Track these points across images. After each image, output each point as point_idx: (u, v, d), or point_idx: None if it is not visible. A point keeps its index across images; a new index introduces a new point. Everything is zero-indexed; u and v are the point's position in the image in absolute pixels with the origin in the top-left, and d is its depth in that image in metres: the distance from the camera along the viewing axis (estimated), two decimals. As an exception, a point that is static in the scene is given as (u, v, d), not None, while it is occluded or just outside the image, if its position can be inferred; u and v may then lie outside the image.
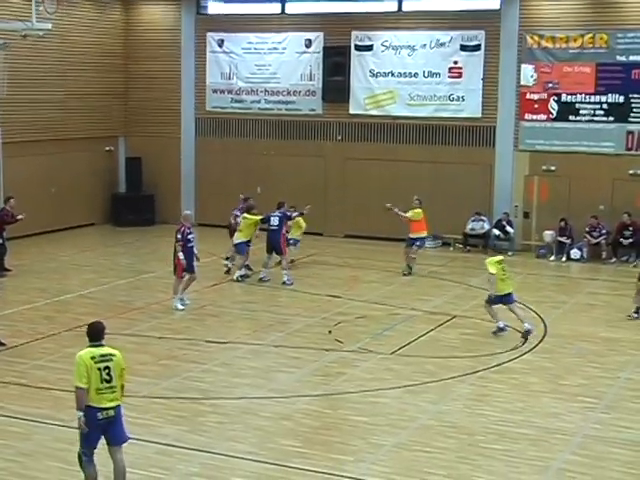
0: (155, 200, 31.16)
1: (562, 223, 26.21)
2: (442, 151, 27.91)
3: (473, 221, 27.37)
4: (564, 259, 26.09)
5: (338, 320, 19.02)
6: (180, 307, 19.74)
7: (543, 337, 18.01)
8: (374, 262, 25.03)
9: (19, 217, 22.22)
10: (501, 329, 18.01)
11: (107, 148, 31.30)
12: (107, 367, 10.34)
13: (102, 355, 10.38)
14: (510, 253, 26.65)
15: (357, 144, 28.90)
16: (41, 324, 18.26)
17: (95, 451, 10.60)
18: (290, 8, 29.86)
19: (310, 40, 29.21)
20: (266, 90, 29.94)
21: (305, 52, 29.32)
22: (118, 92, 31.36)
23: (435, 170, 27.91)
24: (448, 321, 19.18)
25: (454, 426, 13.20)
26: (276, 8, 29.97)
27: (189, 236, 19.90)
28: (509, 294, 18.11)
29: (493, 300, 18.07)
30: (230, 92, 30.44)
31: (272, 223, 22.42)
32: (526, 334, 17.78)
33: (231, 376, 15.52)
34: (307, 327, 18.61)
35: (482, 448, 12.38)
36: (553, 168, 26.85)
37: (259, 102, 30.10)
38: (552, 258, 26.22)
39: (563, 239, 26.22)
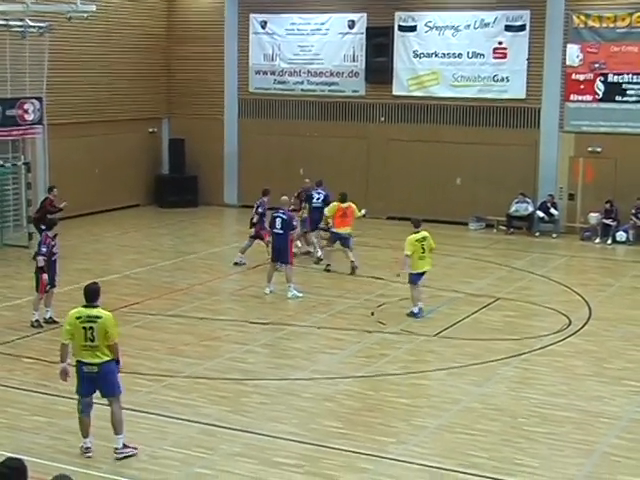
0: (198, 181, 31.27)
1: (608, 205, 25.93)
2: (486, 132, 27.70)
3: (517, 203, 27.16)
4: (609, 242, 25.83)
5: (381, 302, 18.99)
6: (299, 295, 19.36)
7: (588, 320, 17.88)
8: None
9: (61, 206, 22.40)
10: (415, 314, 17.81)
11: (150, 130, 31.47)
12: (91, 327, 11.09)
13: (88, 316, 11.17)
14: (554, 235, 26.48)
15: (400, 125, 28.76)
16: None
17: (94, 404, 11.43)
18: (333, -11, 29.77)
19: (353, 21, 29.09)
20: (309, 71, 29.89)
21: (348, 33, 29.21)
22: (162, 74, 31.49)
23: (478, 151, 27.71)
24: (491, 303, 19.08)
25: (497, 409, 13.15)
26: (319, -12, 29.89)
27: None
28: (424, 273, 18.01)
29: (413, 280, 17.94)
30: (273, 73, 30.43)
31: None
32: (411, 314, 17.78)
33: (274, 357, 15.58)
34: (349, 309, 18.61)
35: (525, 431, 12.32)
36: (599, 149, 26.54)
37: (302, 83, 30.07)
38: (597, 241, 25.96)
39: (608, 221, 25.95)
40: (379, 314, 18.10)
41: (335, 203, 21.73)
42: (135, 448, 11.36)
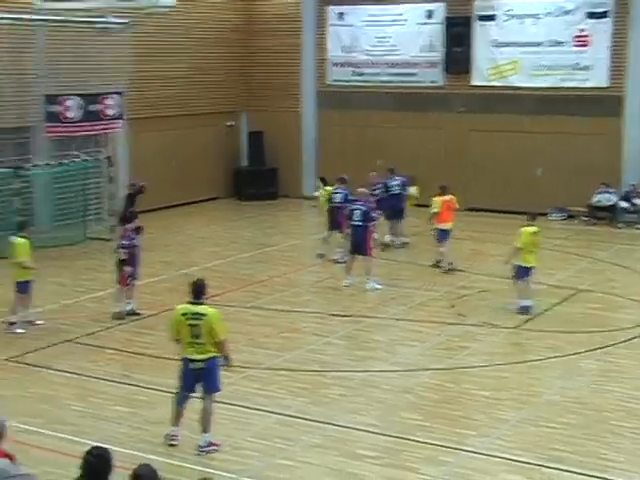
0: (277, 174, 31.40)
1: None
2: (566, 122, 27.22)
3: (599, 193, 26.68)
4: (696, 232, 25.25)
5: (461, 294, 18.84)
6: (378, 287, 19.30)
7: (674, 312, 17.49)
8: (496, 235, 24.64)
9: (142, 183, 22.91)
10: (526, 307, 17.30)
11: (229, 123, 31.67)
12: (197, 325, 11.03)
13: (194, 313, 11.09)
14: (638, 226, 25.96)
15: (479, 116, 28.43)
16: (167, 296, 18.62)
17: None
18: (411, -21, 29.58)
19: (431, 11, 28.86)
20: (387, 62, 29.75)
21: (426, 23, 28.99)
22: (240, 67, 31.65)
23: (559, 141, 27.26)
24: (573, 295, 18.79)
25: (580, 402, 12.94)
26: (397, -21, 29.73)
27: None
28: (532, 267, 17.35)
29: (520, 274, 17.31)
30: (351, 65, 30.36)
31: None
32: (521, 311, 17.23)
33: (353, 349, 15.57)
34: (430, 301, 18.50)
35: (610, 425, 12.10)
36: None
37: (380, 75, 29.95)
38: (683, 231, 25.40)
39: (695, 211, 25.37)
40: (460, 306, 17.96)
41: (439, 197, 20.85)
42: (218, 445, 11.42)
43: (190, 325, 11.04)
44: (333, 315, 17.38)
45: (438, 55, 28.86)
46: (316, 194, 23.43)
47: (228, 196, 31.23)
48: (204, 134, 30.26)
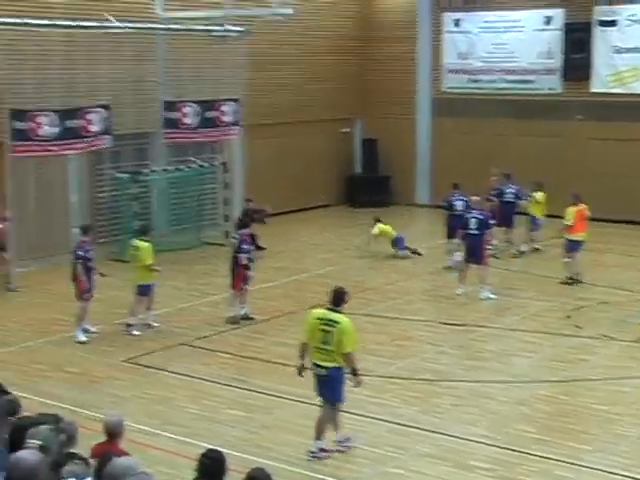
0: (390, 181, 31.34)
1: None
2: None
3: None
4: None
5: (578, 305, 18.45)
6: (492, 297, 19.09)
7: None
8: (617, 246, 24.09)
9: (267, 208, 23.20)
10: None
11: (343, 130, 31.77)
12: (329, 331, 11.03)
13: (329, 319, 11.11)
14: None
15: (598, 124, 27.82)
16: (280, 302, 18.78)
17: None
18: (529, -16, 29.22)
19: (550, 17, 28.40)
20: (503, 69, 29.41)
21: (544, 29, 28.54)
22: (354, 74, 31.72)
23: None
24: (697, 309, 18.19)
25: None
26: (515, -15, 29.40)
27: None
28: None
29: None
30: (466, 72, 30.11)
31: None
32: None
33: (466, 359, 15.41)
34: (545, 311, 18.18)
35: None
36: None
37: (496, 82, 29.62)
38: None
39: None
40: (576, 318, 17.58)
41: (572, 207, 20.27)
42: (329, 452, 11.42)
43: (322, 330, 11.07)
44: (446, 324, 17.24)
45: (556, 62, 28.39)
46: (373, 232, 23.09)
47: (341, 203, 31.31)
48: (319, 141, 30.43)
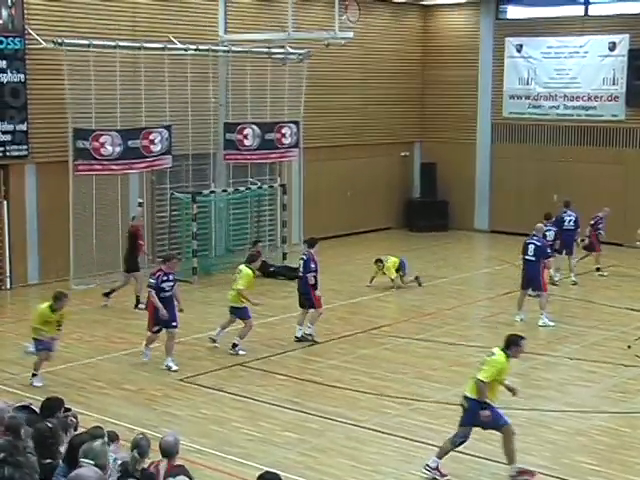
0: (449, 206, 31.26)
1: None
2: None
3: None
4: None
5: (638, 335, 18.20)
6: (550, 324, 19.01)
7: None
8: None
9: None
10: None
11: (403, 153, 31.80)
12: (483, 361, 11.58)
13: (490, 352, 11.59)
14: None
15: (662, 151, 27.55)
16: (336, 325, 18.79)
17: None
18: (593, 10, 29.01)
19: (614, 43, 28.19)
20: (565, 95, 29.23)
21: (609, 55, 28.33)
22: (414, 98, 31.77)
23: None
24: None
25: None
26: (578, 10, 29.21)
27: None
28: None
29: None
30: (528, 98, 29.97)
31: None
32: None
33: (524, 387, 15.15)
34: (604, 340, 17.97)
35: None
36: None
37: (557, 108, 29.44)
38: None
39: None
40: (636, 348, 17.34)
41: None
42: (444, 475, 11.42)
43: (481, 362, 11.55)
44: (503, 351, 17.07)
45: (620, 88, 28.16)
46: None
47: (400, 227, 31.28)
48: (378, 164, 30.48)
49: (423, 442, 12.60)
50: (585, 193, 27.66)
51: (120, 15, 22.99)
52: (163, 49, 23.02)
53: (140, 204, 22.11)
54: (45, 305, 14.79)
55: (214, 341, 17.09)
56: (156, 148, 22.72)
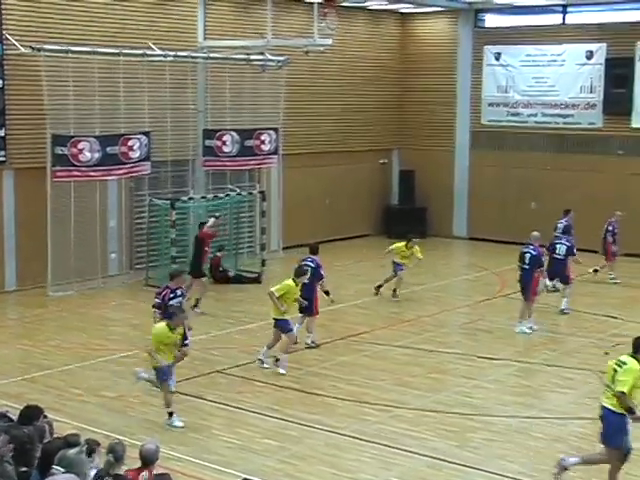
0: (427, 213, 31.34)
1: None
2: None
3: None
4: None
5: (615, 342, 18.28)
6: (527, 331, 19.03)
7: None
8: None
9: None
10: None
11: (382, 161, 31.87)
12: (616, 371, 11.11)
13: (620, 361, 11.24)
14: None
15: (638, 158, 27.67)
16: (316, 332, 18.76)
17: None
18: (571, 19, 29.19)
19: (592, 51, 28.37)
20: (543, 103, 29.39)
21: (586, 64, 28.51)
22: (393, 105, 31.83)
23: None
24: None
25: None
26: (556, 19, 29.39)
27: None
28: None
29: None
30: (506, 105, 30.11)
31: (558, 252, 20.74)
32: None
33: (502, 393, 15.30)
34: (582, 347, 18.06)
35: None
36: None
37: (536, 115, 29.59)
38: None
39: None
40: (613, 354, 17.39)
41: None
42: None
43: (613, 370, 11.24)
44: (482, 358, 17.15)
45: (597, 96, 28.34)
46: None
47: (378, 233, 31.31)
48: (357, 171, 30.52)
49: (402, 449, 12.61)
50: (563, 201, 27.75)
51: (99, 21, 22.91)
52: (142, 55, 22.98)
53: (217, 217, 22.11)
54: (162, 324, 13.58)
55: (262, 362, 16.32)
56: (135, 154, 22.67)
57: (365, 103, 30.61)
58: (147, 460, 8.75)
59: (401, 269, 21.89)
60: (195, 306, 20.00)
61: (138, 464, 8.95)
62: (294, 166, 27.56)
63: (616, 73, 27.81)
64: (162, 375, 13.40)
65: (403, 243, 22.11)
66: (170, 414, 13.43)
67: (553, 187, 28.85)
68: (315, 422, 13.57)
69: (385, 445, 12.71)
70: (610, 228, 23.99)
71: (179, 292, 15.48)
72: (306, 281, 17.12)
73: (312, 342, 17.64)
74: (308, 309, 17.45)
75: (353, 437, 12.98)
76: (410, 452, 12.45)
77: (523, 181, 29.58)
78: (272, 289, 16.29)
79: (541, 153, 29.45)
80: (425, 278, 24.33)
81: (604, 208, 27.69)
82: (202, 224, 21.70)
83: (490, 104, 30.44)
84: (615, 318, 20.23)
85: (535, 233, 19.78)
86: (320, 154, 29.06)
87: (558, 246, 20.67)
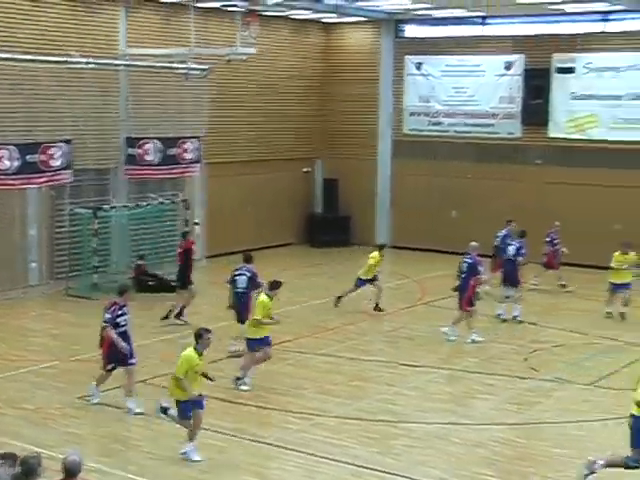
0: (350, 221, 31.51)
1: None
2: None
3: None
4: None
5: (534, 348, 18.62)
6: (452, 338, 19.18)
7: None
8: (575, 290, 24.27)
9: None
10: None
11: (305, 169, 31.95)
12: None
13: None
14: None
15: (557, 168, 28.21)
16: (238, 341, 18.67)
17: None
18: (490, 30, 29.66)
19: (510, 62, 28.87)
20: (464, 113, 29.80)
21: (505, 75, 29.00)
22: (316, 114, 31.94)
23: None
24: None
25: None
26: (476, 30, 29.84)
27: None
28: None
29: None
30: (428, 115, 30.46)
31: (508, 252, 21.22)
32: None
33: (424, 400, 15.44)
34: (502, 354, 18.32)
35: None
36: None
37: (456, 125, 29.99)
38: None
39: None
40: (533, 360, 17.75)
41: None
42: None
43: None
44: (404, 365, 17.29)
45: (516, 107, 28.83)
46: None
47: (302, 242, 31.38)
48: (280, 180, 30.54)
49: (325, 457, 12.64)
50: (484, 210, 28.22)
51: (19, 27, 22.57)
52: (64, 62, 22.67)
53: (196, 223, 21.87)
54: (190, 350, 12.40)
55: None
56: (55, 163, 22.35)
57: (289, 112, 30.68)
58: (71, 472, 8.61)
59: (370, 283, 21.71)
60: (180, 314, 19.94)
61: (59, 476, 8.82)
62: (217, 175, 27.48)
63: (534, 84, 28.37)
64: (187, 411, 12.36)
65: (376, 252, 21.92)
66: (183, 453, 12.41)
67: (474, 196, 29.26)
68: (238, 431, 13.53)
69: (309, 453, 12.73)
70: (548, 239, 24.43)
71: (126, 309, 14.66)
72: (241, 290, 17.20)
73: (235, 351, 17.51)
74: (242, 318, 17.24)
75: (277, 446, 12.99)
76: (333, 460, 12.50)
77: (445, 190, 29.94)
78: (257, 317, 15.61)
79: (462, 162, 29.82)
80: (349, 286, 24.37)
81: (525, 217, 28.13)
82: (186, 233, 21.57)
83: (412, 113, 30.76)
84: (534, 324, 20.56)
85: (473, 243, 19.78)
86: (243, 162, 29.03)
87: (509, 247, 21.20)
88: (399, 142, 31.13)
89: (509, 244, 21.57)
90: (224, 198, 28.06)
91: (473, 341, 19.00)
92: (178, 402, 12.41)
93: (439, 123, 30.33)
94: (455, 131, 30.01)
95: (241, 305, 17.43)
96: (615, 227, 27.04)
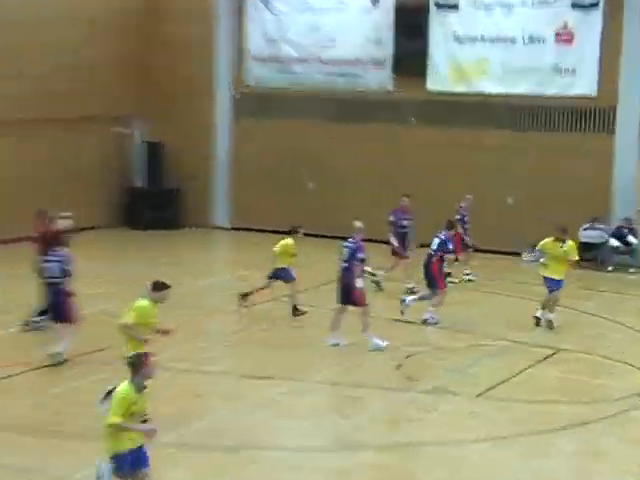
0: (180, 197, 31.39)
1: None
2: (544, 138, 27.71)
3: (586, 229, 26.93)
4: None
5: (410, 352, 18.95)
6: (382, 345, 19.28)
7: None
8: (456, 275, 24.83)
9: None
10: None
11: (118, 129, 31.43)
12: None
13: None
14: (632, 270, 26.35)
15: (435, 128, 28.74)
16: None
17: None
18: (354, -44, 29.98)
19: (378, -5, 29.24)
20: (321, 59, 29.99)
21: (372, 11, 29.30)
22: (134, 60, 31.50)
23: (535, 162, 27.72)
24: (550, 356, 19.04)
25: (556, 489, 13.12)
26: (335, -45, 30.08)
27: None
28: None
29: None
30: (276, 61, 30.53)
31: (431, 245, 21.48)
32: None
33: (273, 419, 15.49)
34: (370, 359, 18.59)
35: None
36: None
37: (312, 74, 30.13)
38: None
39: None
40: (408, 367, 18.06)
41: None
42: None
43: None
44: (248, 377, 17.31)
45: (386, 52, 29.14)
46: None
47: (117, 224, 30.98)
48: (84, 144, 30.00)
49: None
50: (348, 180, 28.54)
51: None
52: None
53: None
54: (125, 384, 10.95)
55: None
56: None
57: (95, 57, 30.01)
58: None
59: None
60: None
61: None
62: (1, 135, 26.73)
63: (407, 23, 28.77)
64: (123, 467, 10.88)
65: (289, 238, 21.60)
66: None
67: (336, 163, 29.47)
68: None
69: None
70: (458, 217, 24.54)
71: None
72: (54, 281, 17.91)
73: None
74: (62, 317, 17.81)
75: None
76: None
77: (299, 156, 30.06)
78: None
79: (321, 121, 30.03)
80: (183, 277, 24.18)
81: (397, 189, 28.56)
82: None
83: (256, 59, 30.73)
84: (412, 323, 20.83)
85: (358, 224, 19.52)
86: (32, 121, 28.05)
87: (434, 239, 21.12)
88: (241, 96, 31.11)
89: (436, 236, 21.40)
90: (6, 167, 27.23)
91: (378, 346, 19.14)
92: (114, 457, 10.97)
93: (291, 72, 30.41)
94: (311, 82, 30.13)
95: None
96: (508, 202, 27.76)
